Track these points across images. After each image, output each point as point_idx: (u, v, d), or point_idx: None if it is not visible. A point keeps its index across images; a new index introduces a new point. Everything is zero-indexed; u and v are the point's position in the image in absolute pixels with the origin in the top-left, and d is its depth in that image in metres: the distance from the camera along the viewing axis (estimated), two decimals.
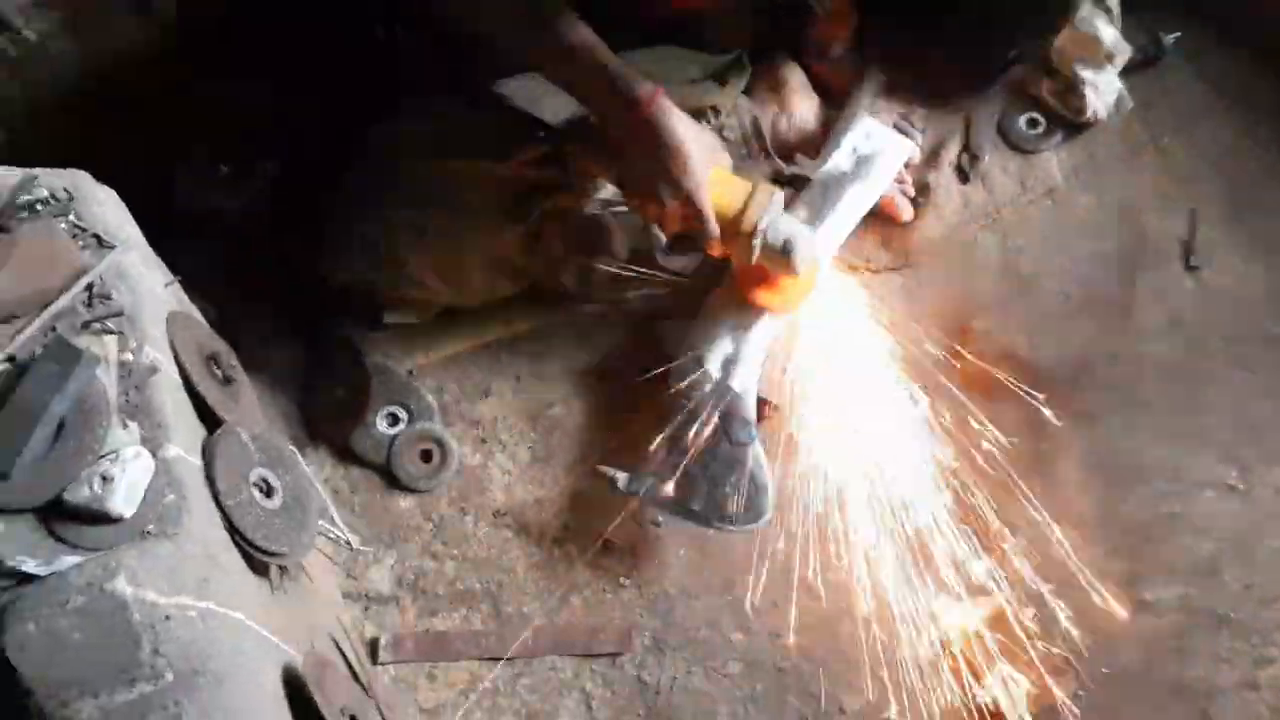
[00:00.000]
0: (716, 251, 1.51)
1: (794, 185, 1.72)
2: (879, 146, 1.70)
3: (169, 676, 0.86)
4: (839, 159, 1.69)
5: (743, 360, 1.56)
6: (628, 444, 1.63)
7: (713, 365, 1.56)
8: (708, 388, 1.55)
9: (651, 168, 1.41)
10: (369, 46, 1.70)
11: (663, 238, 1.62)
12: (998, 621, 1.53)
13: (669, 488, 1.53)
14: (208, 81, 1.66)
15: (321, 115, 1.74)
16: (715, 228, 1.45)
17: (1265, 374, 1.66)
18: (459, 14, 1.46)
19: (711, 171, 1.44)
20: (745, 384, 1.56)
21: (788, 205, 1.60)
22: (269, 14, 1.62)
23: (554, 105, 1.58)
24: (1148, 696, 1.51)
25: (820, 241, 1.59)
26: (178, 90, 1.67)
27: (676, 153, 1.39)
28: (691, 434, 1.53)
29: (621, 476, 1.54)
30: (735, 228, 1.45)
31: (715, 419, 1.53)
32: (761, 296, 1.56)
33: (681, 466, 1.52)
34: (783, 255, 1.47)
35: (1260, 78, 1.89)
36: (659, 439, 1.57)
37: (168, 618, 0.87)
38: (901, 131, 1.79)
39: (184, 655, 0.87)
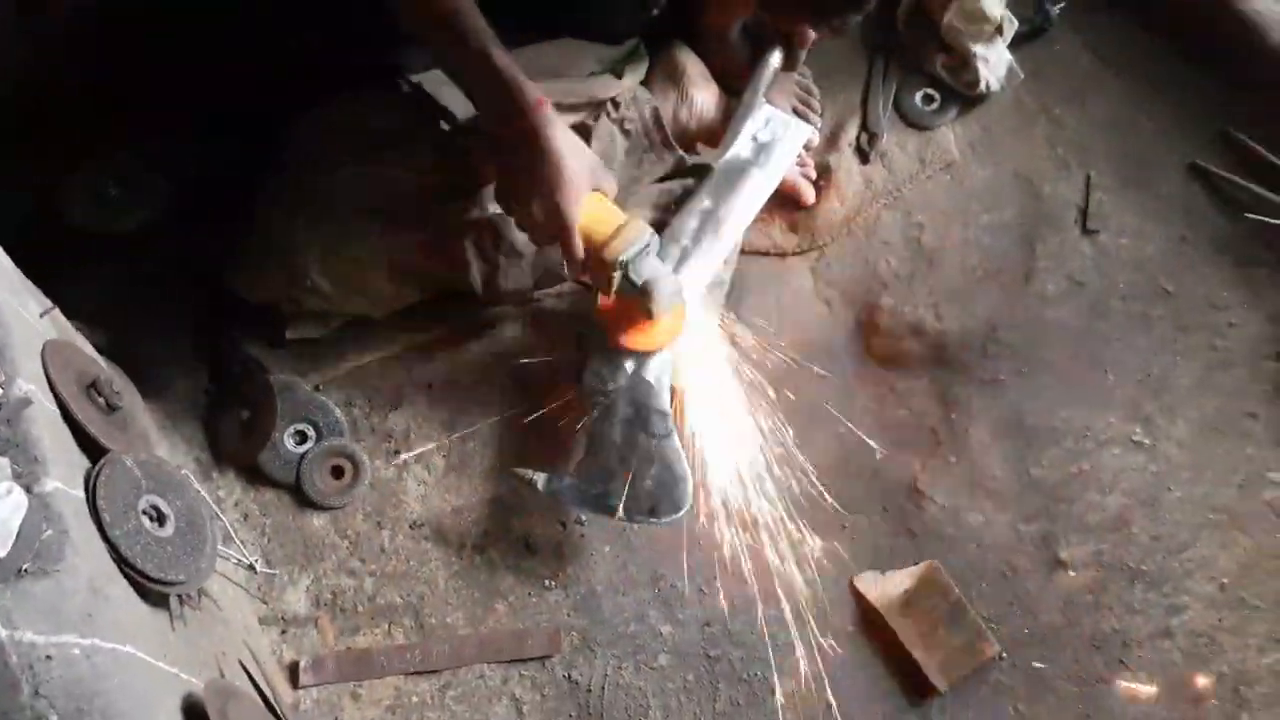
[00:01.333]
0: (578, 275, 1.49)
1: (696, 175, 1.73)
2: (779, 132, 1.72)
3: (53, 718, 0.82)
4: (740, 147, 1.71)
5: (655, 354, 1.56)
6: (545, 445, 1.63)
7: (626, 361, 1.55)
8: (622, 381, 1.54)
9: (526, 176, 1.39)
10: (275, 53, 1.66)
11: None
12: (919, 591, 1.55)
13: (588, 485, 1.52)
14: (96, 94, 1.61)
15: (223, 125, 1.70)
16: (579, 249, 1.42)
17: (1163, 330, 1.71)
18: None
19: (590, 195, 1.42)
20: (659, 375, 1.55)
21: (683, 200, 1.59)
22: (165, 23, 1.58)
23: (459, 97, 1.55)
24: (1068, 653, 1.54)
25: (689, 281, 1.58)
26: (62, 103, 1.63)
27: (551, 165, 1.36)
28: (608, 430, 1.53)
29: (540, 478, 1.52)
30: (599, 255, 1.43)
31: (631, 413, 1.53)
32: (623, 335, 1.53)
33: (600, 464, 1.52)
34: (641, 295, 1.44)
35: (1144, 46, 1.94)
36: (575, 438, 1.56)
37: (48, 657, 0.83)
38: (800, 116, 1.81)
39: (68, 695, 0.83)
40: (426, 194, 1.56)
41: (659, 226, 1.70)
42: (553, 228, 1.41)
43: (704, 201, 1.67)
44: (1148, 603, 1.56)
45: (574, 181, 1.38)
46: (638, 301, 1.45)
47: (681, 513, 1.50)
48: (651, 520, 1.51)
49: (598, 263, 1.43)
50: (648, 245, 1.44)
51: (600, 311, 1.55)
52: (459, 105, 1.56)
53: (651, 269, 1.45)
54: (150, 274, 1.66)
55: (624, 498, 1.50)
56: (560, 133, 1.38)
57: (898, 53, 1.92)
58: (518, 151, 1.38)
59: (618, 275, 1.43)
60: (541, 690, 1.50)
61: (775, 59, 1.69)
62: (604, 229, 1.43)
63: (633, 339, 1.53)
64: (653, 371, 1.54)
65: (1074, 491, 1.62)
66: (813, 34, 1.64)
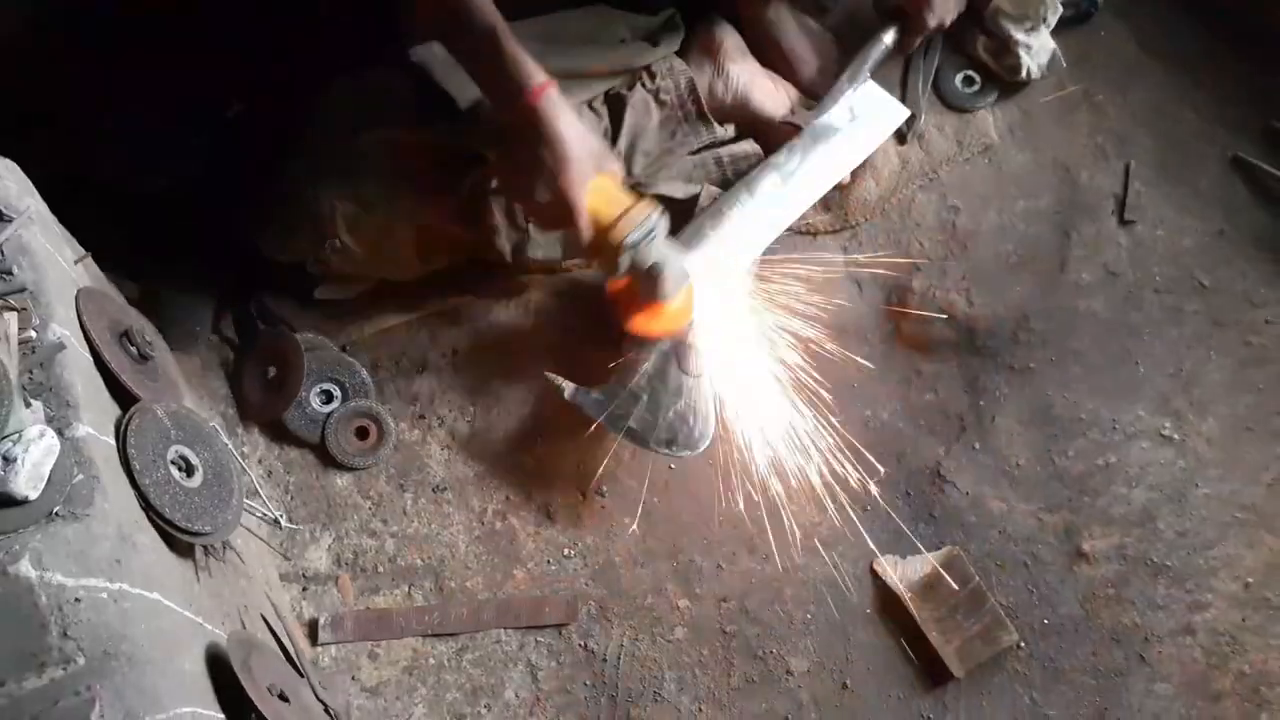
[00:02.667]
0: (586, 256, 1.48)
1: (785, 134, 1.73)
2: (875, 109, 1.71)
3: (80, 660, 0.83)
4: (834, 115, 1.71)
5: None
6: (571, 412, 1.63)
7: None
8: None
9: (530, 159, 1.37)
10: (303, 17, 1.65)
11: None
12: (939, 577, 1.54)
13: (611, 402, 1.52)
14: (137, 52, 1.61)
15: (254, 89, 1.69)
16: (588, 229, 1.41)
17: (1196, 325, 1.69)
18: None
19: (595, 178, 1.40)
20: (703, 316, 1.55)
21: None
22: None
23: (462, 81, 1.54)
24: (1086, 645, 1.53)
25: (760, 238, 1.58)
26: (103, 59, 1.62)
27: (556, 147, 1.35)
28: (643, 357, 1.54)
29: (568, 386, 1.53)
30: (605, 238, 1.41)
31: (669, 345, 1.54)
32: (633, 318, 1.51)
33: (628, 386, 1.53)
34: (648, 277, 1.43)
35: (1190, 34, 1.90)
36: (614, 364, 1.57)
37: (77, 600, 0.84)
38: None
39: (95, 638, 0.84)
40: (457, 160, 1.55)
41: (691, 199, 1.69)
42: (559, 209, 1.40)
43: (787, 160, 1.67)
44: (1170, 599, 1.55)
45: (579, 163, 1.37)
46: (646, 283, 1.44)
47: (698, 450, 1.51)
48: (665, 451, 1.52)
49: (604, 245, 1.42)
50: (654, 228, 1.43)
51: (610, 295, 1.53)
52: (457, 88, 1.55)
53: (659, 251, 1.43)
54: (180, 232, 1.66)
55: (645, 424, 1.51)
56: (565, 115, 1.36)
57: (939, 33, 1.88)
58: (522, 134, 1.36)
59: (625, 257, 1.42)
60: (557, 657, 1.50)
61: (889, 37, 1.68)
62: (611, 211, 1.42)
63: (642, 322, 1.51)
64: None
65: (1099, 483, 1.61)
66: (931, 21, 1.66)
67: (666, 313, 1.50)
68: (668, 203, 1.69)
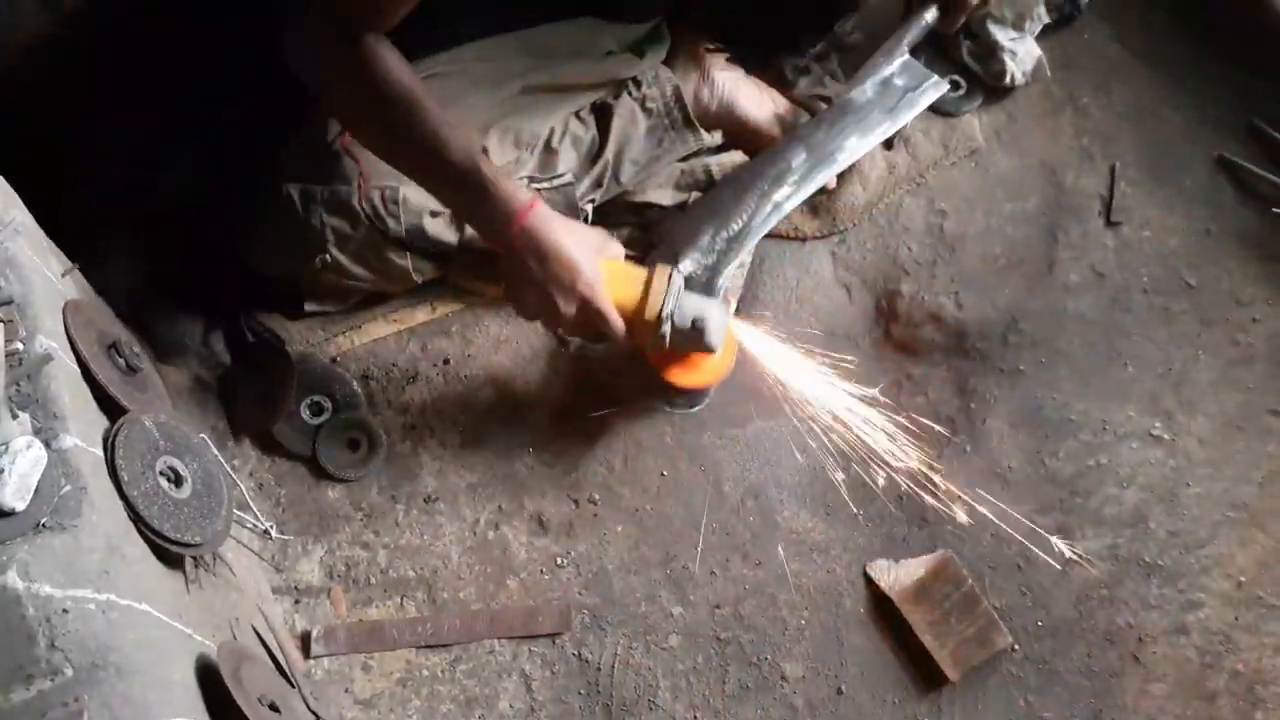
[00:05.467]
0: (625, 346, 1.46)
1: (811, 108, 1.74)
2: (912, 83, 1.71)
3: (68, 672, 0.83)
4: (867, 88, 1.70)
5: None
6: (562, 420, 1.63)
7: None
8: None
9: (541, 279, 1.36)
10: None
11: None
12: (932, 580, 1.54)
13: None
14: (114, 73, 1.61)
15: (242, 103, 1.69)
16: (620, 324, 1.40)
17: (1184, 324, 1.69)
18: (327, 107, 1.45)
19: (603, 266, 1.40)
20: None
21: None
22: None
23: None
24: (1080, 646, 1.53)
25: (791, 208, 1.60)
26: (79, 86, 1.62)
27: (563, 259, 1.34)
28: None
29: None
30: (639, 318, 1.41)
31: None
32: (682, 377, 1.51)
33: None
34: (694, 334, 1.43)
35: (1173, 34, 1.91)
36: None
37: (65, 611, 0.84)
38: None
39: (84, 649, 0.84)
40: None
41: (679, 207, 1.70)
42: (588, 316, 1.39)
43: (816, 132, 1.66)
44: (1163, 598, 1.55)
45: (588, 263, 1.37)
46: (692, 341, 1.44)
47: (698, 408, 1.58)
48: (668, 408, 1.59)
49: (641, 327, 1.42)
50: (679, 286, 1.43)
51: (655, 366, 1.51)
52: None
53: (695, 306, 1.43)
54: (169, 245, 1.66)
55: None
56: (557, 223, 1.36)
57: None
58: (523, 259, 1.35)
59: (666, 326, 1.42)
60: (551, 667, 1.50)
61: (931, 14, 1.67)
62: (633, 291, 1.42)
63: (698, 375, 1.52)
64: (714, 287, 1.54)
65: (1090, 484, 1.61)
66: None
67: (715, 361, 1.50)
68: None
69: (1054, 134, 1.83)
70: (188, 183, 1.70)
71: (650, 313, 1.40)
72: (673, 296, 1.41)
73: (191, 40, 1.59)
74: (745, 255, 1.66)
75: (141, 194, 1.69)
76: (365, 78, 1.28)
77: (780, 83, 1.79)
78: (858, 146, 1.67)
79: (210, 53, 1.60)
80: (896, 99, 1.69)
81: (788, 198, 1.64)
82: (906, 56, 1.72)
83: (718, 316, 1.44)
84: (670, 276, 1.42)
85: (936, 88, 1.72)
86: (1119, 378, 1.66)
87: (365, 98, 1.30)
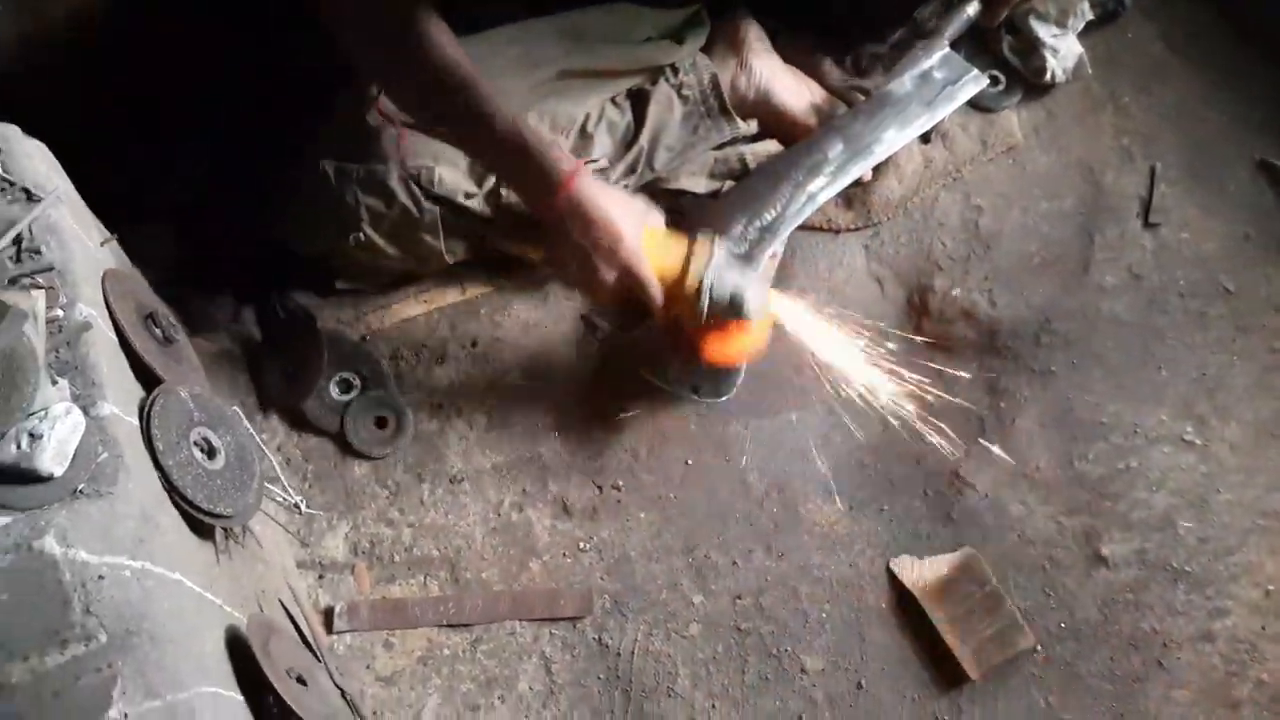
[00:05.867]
0: (664, 316, 1.46)
1: (849, 99, 1.73)
2: (951, 76, 1.70)
3: (102, 638, 0.83)
4: (907, 79, 1.70)
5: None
6: (588, 405, 1.63)
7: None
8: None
9: (584, 246, 1.37)
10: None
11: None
12: (956, 578, 1.53)
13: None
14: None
15: (274, 83, 1.69)
16: (659, 293, 1.41)
17: (1220, 329, 1.67)
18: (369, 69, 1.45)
19: (644, 235, 1.40)
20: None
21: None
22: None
23: None
24: (1104, 650, 1.51)
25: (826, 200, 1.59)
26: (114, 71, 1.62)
27: (606, 226, 1.35)
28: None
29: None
30: (679, 288, 1.41)
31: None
32: (719, 351, 1.51)
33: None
34: (732, 307, 1.43)
35: (1218, 36, 1.89)
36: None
37: (100, 577, 0.84)
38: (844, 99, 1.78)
39: (118, 615, 0.84)
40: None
41: (713, 195, 1.69)
42: (627, 282, 1.40)
43: (854, 124, 1.66)
44: (1190, 605, 1.53)
45: (631, 232, 1.37)
46: (730, 314, 1.44)
47: (723, 399, 1.57)
48: (695, 397, 1.58)
49: (680, 296, 1.42)
50: (719, 257, 1.42)
51: (690, 337, 1.51)
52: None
53: (735, 279, 1.43)
54: (202, 221, 1.67)
55: (675, 370, 1.55)
56: (601, 191, 1.37)
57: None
58: (567, 225, 1.36)
59: (705, 298, 1.41)
60: (571, 650, 1.50)
61: (973, 8, 1.67)
62: (673, 261, 1.41)
63: (732, 349, 1.51)
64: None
65: (1120, 488, 1.59)
66: None
67: (753, 333, 1.50)
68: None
69: (1094, 132, 1.81)
70: (206, 166, 1.70)
71: (690, 282, 1.41)
72: (714, 267, 1.41)
73: (204, 30, 1.58)
74: (778, 246, 1.65)
75: (163, 176, 1.69)
76: (421, 56, 1.29)
77: (821, 72, 1.78)
78: (895, 139, 1.66)
79: (225, 40, 1.59)
80: (935, 92, 1.68)
81: (822, 189, 1.64)
82: (947, 49, 1.70)
83: (758, 289, 1.44)
84: (711, 246, 1.42)
85: (976, 82, 1.70)
86: (1152, 381, 1.64)
87: (422, 76, 1.32)
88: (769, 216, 1.62)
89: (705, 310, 1.43)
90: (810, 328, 1.59)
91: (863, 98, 1.72)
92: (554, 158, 1.34)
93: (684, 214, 1.70)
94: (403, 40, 1.29)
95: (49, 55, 1.55)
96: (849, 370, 1.59)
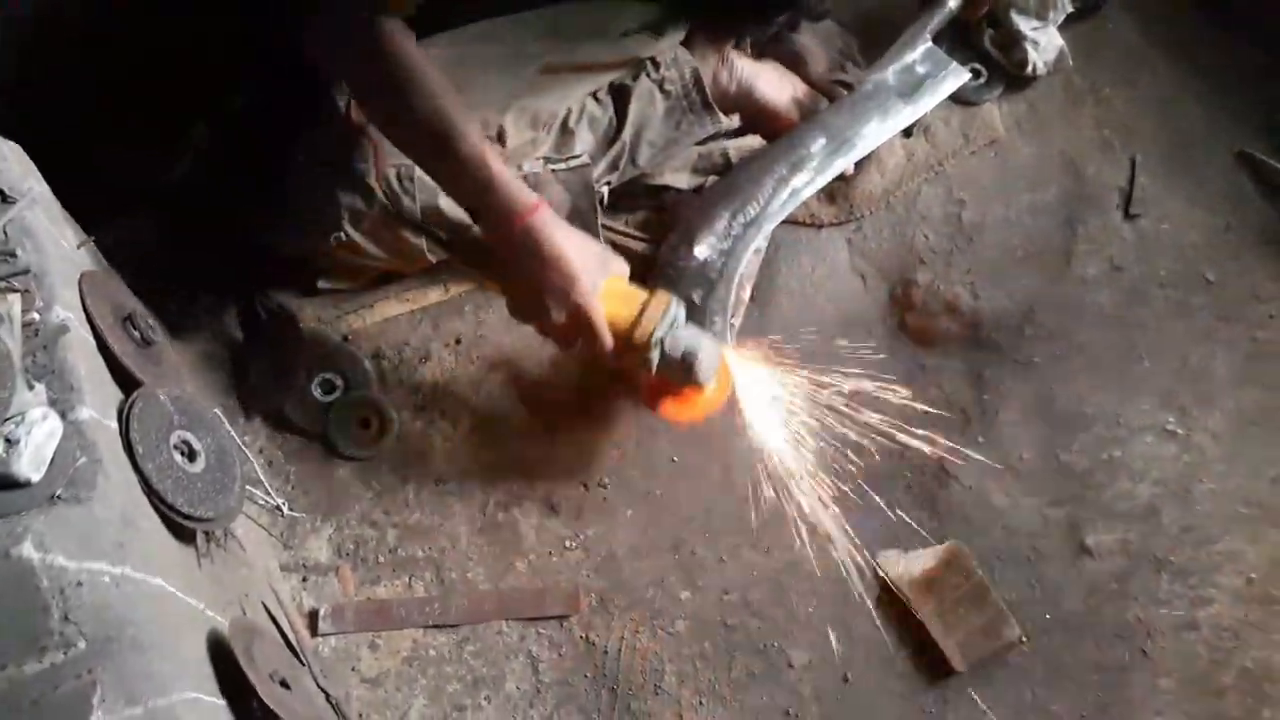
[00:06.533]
0: (613, 364, 1.43)
1: (831, 93, 1.73)
2: (933, 70, 1.71)
3: (81, 644, 0.82)
4: (889, 73, 1.70)
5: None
6: (573, 403, 1.62)
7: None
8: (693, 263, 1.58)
9: (537, 281, 1.35)
10: None
11: None
12: (941, 571, 1.53)
13: None
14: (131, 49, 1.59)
15: (259, 80, 1.68)
16: (608, 339, 1.38)
17: (1202, 319, 1.68)
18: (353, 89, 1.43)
19: (604, 282, 1.37)
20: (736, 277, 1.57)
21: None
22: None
23: None
24: (1089, 640, 1.52)
25: (809, 194, 1.59)
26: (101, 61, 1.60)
27: (560, 264, 1.32)
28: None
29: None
30: (630, 339, 1.38)
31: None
32: (669, 408, 1.50)
33: None
34: (683, 367, 1.40)
35: (1197, 28, 1.90)
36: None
37: (79, 583, 0.83)
38: (844, 85, 1.78)
39: (98, 622, 0.83)
40: None
41: (696, 190, 1.69)
42: (577, 325, 1.37)
43: (836, 118, 1.66)
44: (1173, 594, 1.54)
45: (587, 274, 1.35)
46: (680, 374, 1.42)
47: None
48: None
49: (630, 347, 1.39)
50: (676, 316, 1.40)
51: (644, 391, 1.51)
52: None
53: (688, 339, 1.40)
54: (183, 221, 1.65)
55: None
56: (560, 229, 1.34)
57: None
58: (521, 259, 1.34)
59: (655, 354, 1.39)
60: (558, 649, 1.50)
61: (954, 1, 1.67)
62: (628, 311, 1.38)
63: (684, 410, 1.50)
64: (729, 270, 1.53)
65: (1103, 478, 1.60)
66: None
67: (705, 398, 1.48)
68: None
69: (1075, 125, 1.82)
70: (204, 159, 1.68)
71: (640, 336, 1.37)
72: (666, 323, 1.38)
73: (200, 28, 1.57)
74: (761, 241, 1.65)
75: (153, 176, 1.68)
76: (380, 62, 1.28)
77: (804, 67, 1.78)
78: (877, 133, 1.66)
79: (220, 39, 1.58)
80: (917, 86, 1.69)
81: (806, 184, 1.64)
82: (929, 43, 1.71)
83: (711, 352, 1.41)
84: (669, 304, 1.39)
85: (957, 75, 1.71)
86: (1135, 372, 1.65)
87: (379, 81, 1.30)
88: (752, 211, 1.62)
89: (655, 366, 1.41)
90: (767, 391, 1.57)
91: (845, 92, 1.72)
92: (515, 188, 1.32)
93: (667, 210, 1.71)
94: (363, 40, 1.27)
95: (19, 53, 1.54)
96: (815, 422, 1.58)
